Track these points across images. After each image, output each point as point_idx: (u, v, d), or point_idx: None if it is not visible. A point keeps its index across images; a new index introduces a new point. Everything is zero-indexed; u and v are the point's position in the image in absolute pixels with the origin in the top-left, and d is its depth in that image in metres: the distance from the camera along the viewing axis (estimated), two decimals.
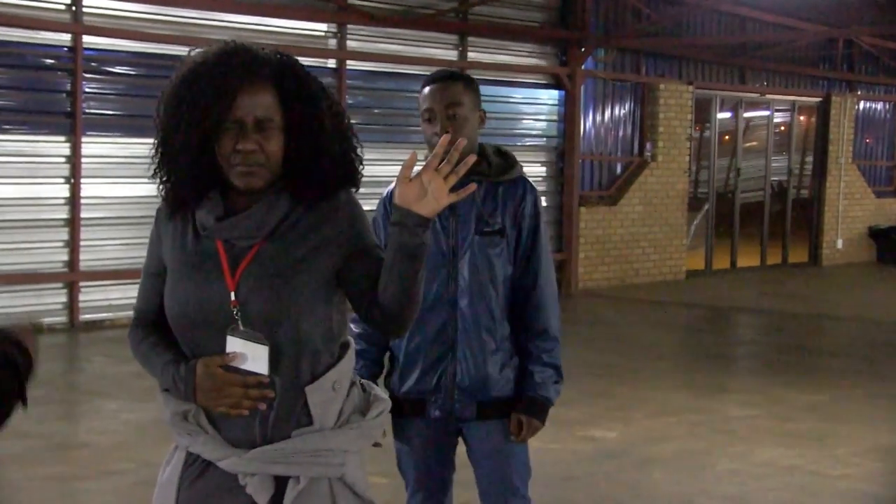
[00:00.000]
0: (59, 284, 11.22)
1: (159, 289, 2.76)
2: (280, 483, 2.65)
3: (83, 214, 11.18)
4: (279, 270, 2.63)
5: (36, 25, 10.90)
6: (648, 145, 16.24)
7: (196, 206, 2.71)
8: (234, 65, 2.60)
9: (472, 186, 2.62)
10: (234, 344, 2.62)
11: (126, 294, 11.22)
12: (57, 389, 8.70)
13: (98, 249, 11.34)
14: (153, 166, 2.69)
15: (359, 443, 2.74)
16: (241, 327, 2.61)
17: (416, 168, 2.58)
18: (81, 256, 11.21)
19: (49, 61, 11.17)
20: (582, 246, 15.31)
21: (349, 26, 13.19)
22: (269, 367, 2.60)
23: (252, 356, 2.60)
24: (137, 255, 11.09)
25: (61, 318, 11.19)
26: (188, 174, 2.65)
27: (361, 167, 2.77)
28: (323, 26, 13.07)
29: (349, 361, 2.77)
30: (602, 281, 15.59)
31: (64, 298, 11.23)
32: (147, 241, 2.83)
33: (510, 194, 3.70)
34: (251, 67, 2.61)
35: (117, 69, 11.56)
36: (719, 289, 16.00)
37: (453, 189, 2.57)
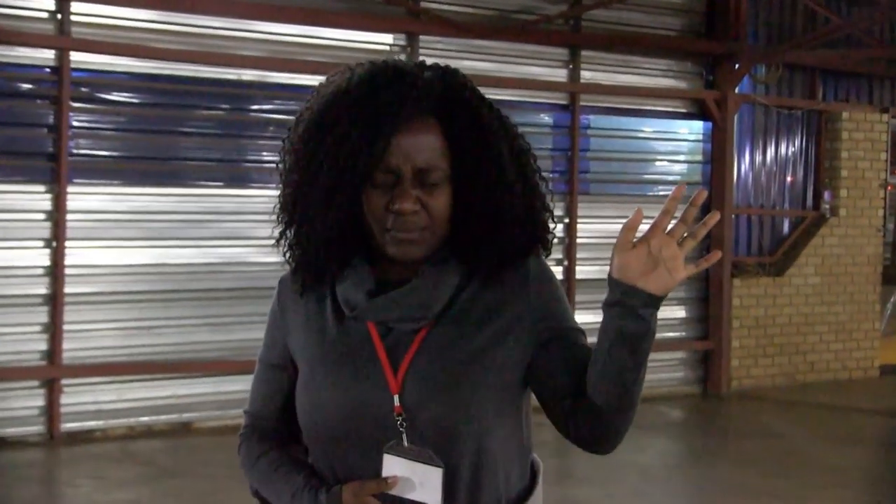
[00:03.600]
0: (35, 382, 11.26)
1: (283, 387, 2.79)
2: None
3: (67, 289, 11.22)
4: (455, 364, 2.60)
5: (9, 39, 11.00)
6: (827, 195, 16.10)
7: (336, 279, 2.69)
8: (387, 95, 2.57)
9: (718, 254, 2.59)
10: (393, 464, 2.59)
11: (122, 396, 11.17)
12: None
13: (86, 336, 11.33)
14: (278, 228, 2.70)
15: None
16: (406, 442, 2.57)
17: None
18: (65, 345, 11.21)
19: (26, 86, 11.33)
20: (736, 331, 15.16)
21: (422, 37, 13.25)
22: (444, 496, 2.57)
23: (420, 481, 2.57)
24: (137, 343, 11.20)
25: (37, 428, 11.21)
26: (327, 238, 2.63)
27: (553, 225, 2.74)
28: (388, 38, 13.14)
29: (540, 491, 2.73)
30: (764, 378, 15.40)
31: (41, 401, 11.26)
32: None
33: None
34: (409, 98, 2.58)
35: (115, 96, 11.69)
36: None
37: None
